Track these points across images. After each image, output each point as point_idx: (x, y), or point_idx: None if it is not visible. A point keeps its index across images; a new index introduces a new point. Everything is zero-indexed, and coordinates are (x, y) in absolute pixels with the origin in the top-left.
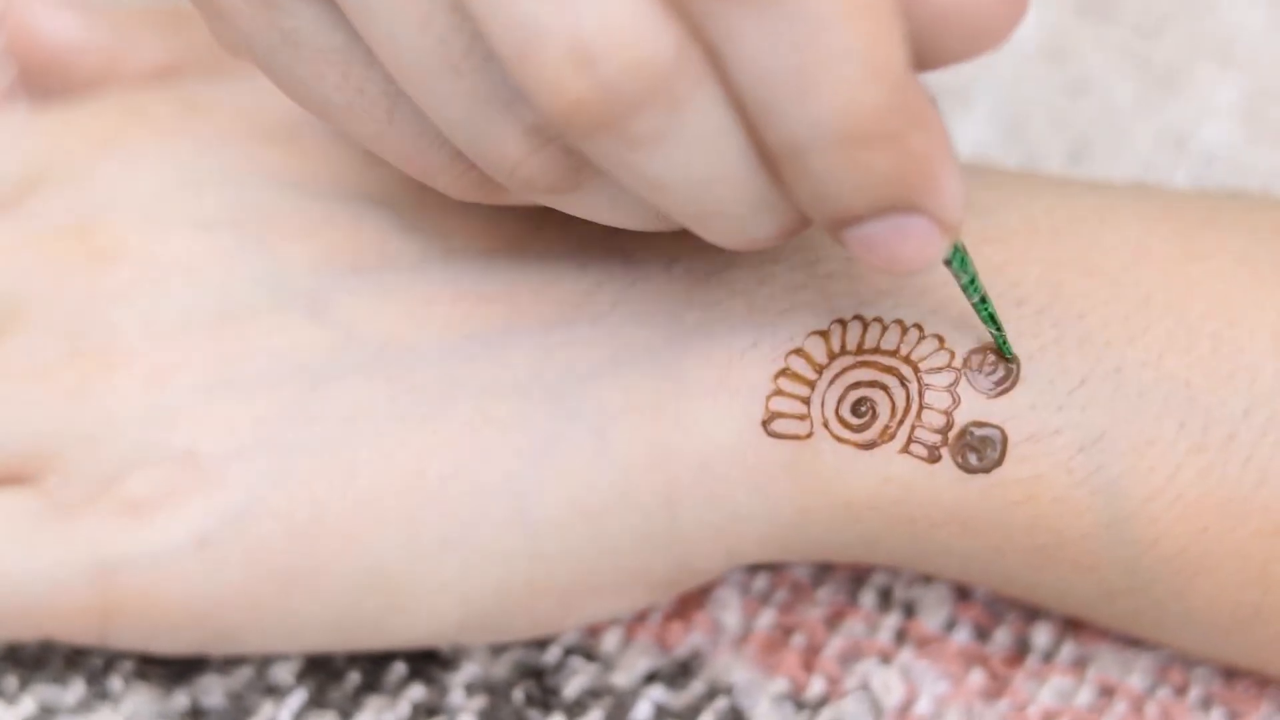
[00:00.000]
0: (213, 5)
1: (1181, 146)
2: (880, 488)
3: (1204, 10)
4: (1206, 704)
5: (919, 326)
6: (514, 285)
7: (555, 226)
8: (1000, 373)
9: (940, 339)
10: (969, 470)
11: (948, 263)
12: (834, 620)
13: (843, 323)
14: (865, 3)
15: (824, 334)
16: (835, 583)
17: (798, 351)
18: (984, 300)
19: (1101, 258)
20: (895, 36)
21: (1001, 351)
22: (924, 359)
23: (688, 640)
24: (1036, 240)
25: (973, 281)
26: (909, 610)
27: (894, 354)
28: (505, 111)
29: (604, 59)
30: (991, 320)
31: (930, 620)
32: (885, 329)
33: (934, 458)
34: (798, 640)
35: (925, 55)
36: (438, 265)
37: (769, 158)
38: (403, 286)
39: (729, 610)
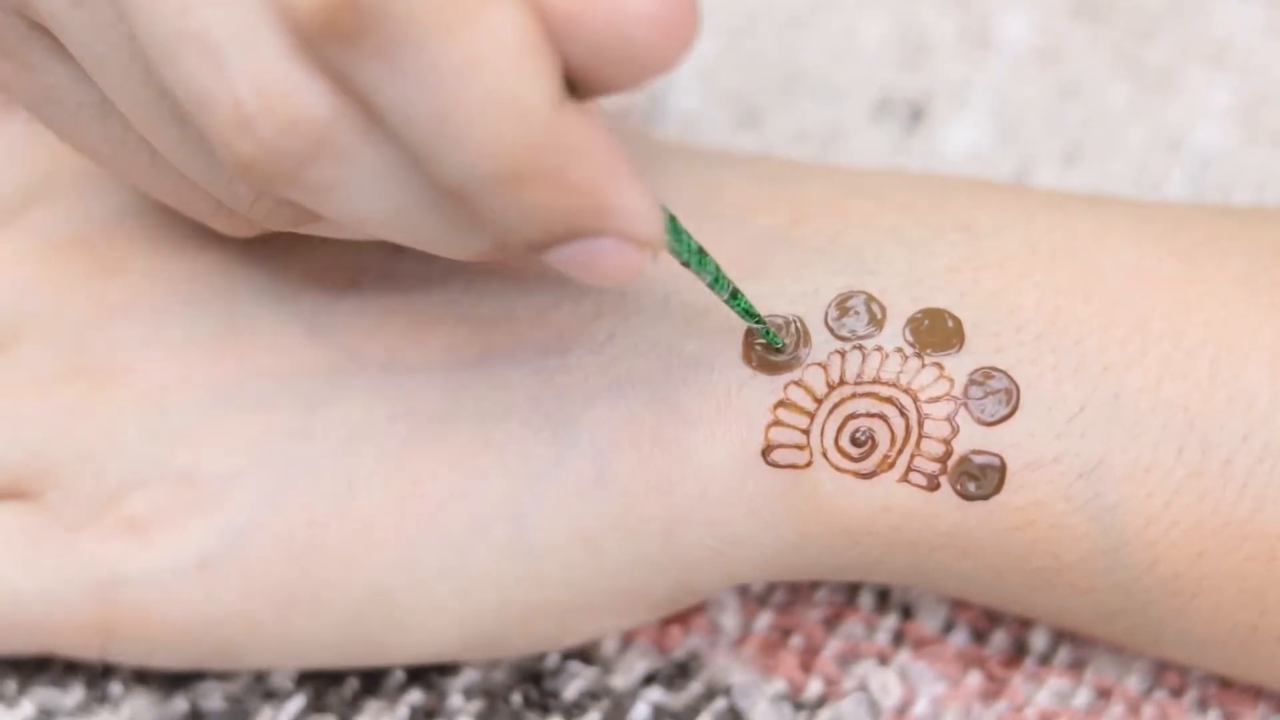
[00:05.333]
0: None
1: (1176, 149)
2: (879, 515)
3: (1197, 12)
4: (1203, 706)
5: (919, 355)
6: (513, 309)
7: None
8: (1000, 400)
9: (940, 367)
10: (968, 498)
11: (685, 264)
12: (832, 621)
13: (841, 353)
14: (497, 47)
15: (823, 365)
16: (833, 584)
17: (797, 382)
18: (735, 295)
19: (1099, 281)
20: (536, 75)
21: (771, 342)
22: (923, 388)
23: (686, 642)
24: (1034, 264)
25: (717, 280)
26: (907, 612)
27: (893, 384)
28: None
29: (261, 121)
30: (748, 315)
31: (928, 622)
32: (885, 358)
33: (933, 486)
34: (796, 641)
35: (588, 84)
36: (437, 286)
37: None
38: (403, 307)
39: (727, 612)
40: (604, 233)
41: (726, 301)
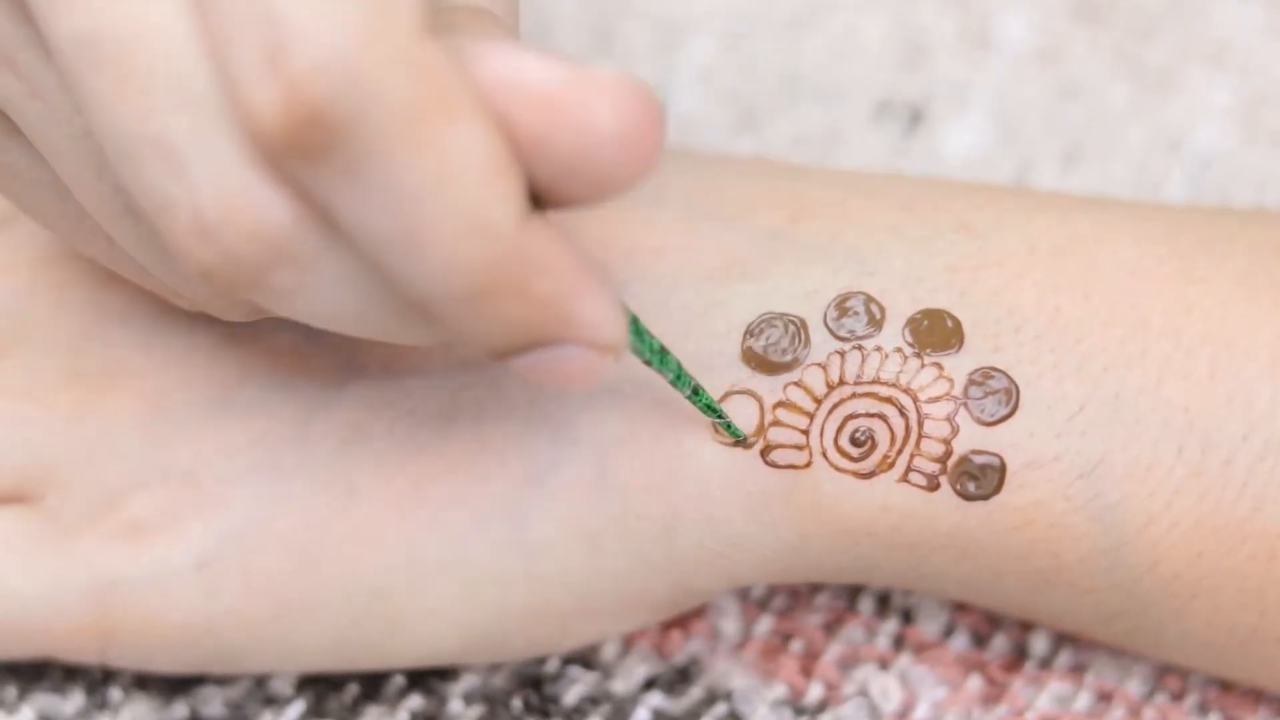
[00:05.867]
0: None
1: (1176, 149)
2: (878, 515)
3: (1197, 12)
4: (1203, 709)
5: (919, 355)
6: None
7: None
8: (999, 400)
9: (939, 367)
10: (968, 498)
11: (648, 363)
12: (832, 626)
13: (841, 354)
14: (463, 166)
15: (822, 365)
16: (833, 589)
17: (796, 383)
18: (696, 392)
19: (1099, 280)
20: (501, 194)
21: (733, 435)
22: (923, 388)
23: (686, 647)
24: (1034, 263)
25: (679, 377)
26: (907, 616)
27: (893, 384)
28: None
29: (223, 230)
30: (709, 410)
31: (928, 626)
32: (885, 358)
33: (933, 486)
34: (796, 646)
35: (553, 197)
36: None
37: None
38: None
39: (727, 617)
40: (567, 341)
41: (688, 398)
